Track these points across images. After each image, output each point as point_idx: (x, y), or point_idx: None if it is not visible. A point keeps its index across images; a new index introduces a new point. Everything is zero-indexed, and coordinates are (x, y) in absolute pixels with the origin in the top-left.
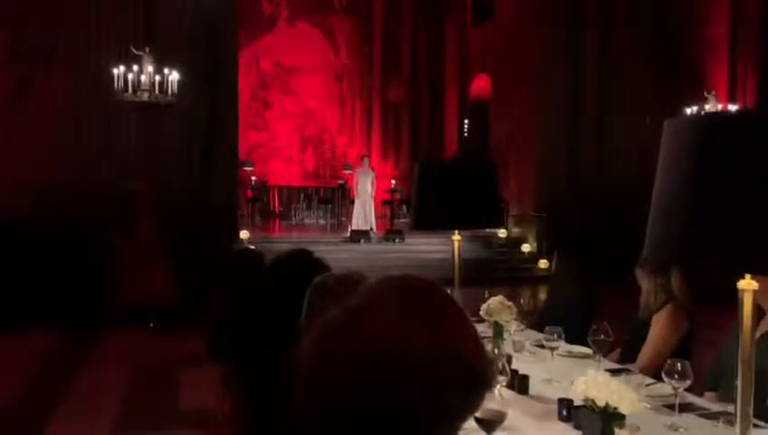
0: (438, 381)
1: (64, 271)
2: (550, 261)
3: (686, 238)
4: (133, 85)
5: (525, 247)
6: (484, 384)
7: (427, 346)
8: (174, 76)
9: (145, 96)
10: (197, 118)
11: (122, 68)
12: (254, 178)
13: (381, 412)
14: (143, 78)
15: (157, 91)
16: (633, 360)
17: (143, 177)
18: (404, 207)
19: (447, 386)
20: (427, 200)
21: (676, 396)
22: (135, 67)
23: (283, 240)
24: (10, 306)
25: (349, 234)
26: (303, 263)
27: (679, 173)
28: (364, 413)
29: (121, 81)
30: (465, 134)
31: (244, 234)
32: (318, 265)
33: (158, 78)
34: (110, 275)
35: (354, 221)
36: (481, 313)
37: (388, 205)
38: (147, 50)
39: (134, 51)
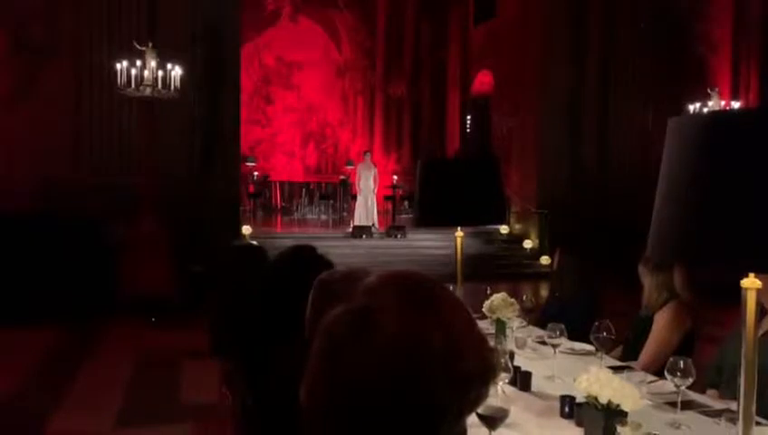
0: (455, 375)
1: (67, 265)
2: (552, 258)
3: (690, 236)
4: (136, 80)
5: (527, 244)
6: (492, 375)
7: (442, 341)
8: (176, 71)
9: (147, 91)
10: (200, 113)
11: (125, 63)
12: (256, 173)
13: (392, 410)
14: (146, 73)
15: (159, 87)
16: (635, 357)
17: (145, 172)
18: (406, 203)
19: (463, 379)
20: (429, 197)
21: (678, 393)
22: (138, 62)
23: (285, 236)
24: (13, 299)
25: (351, 229)
26: (307, 259)
27: (682, 171)
28: (376, 411)
29: (124, 76)
30: (468, 130)
31: (246, 229)
32: (321, 262)
33: (160, 73)
34: (113, 269)
35: (356, 217)
36: (483, 309)
37: (390, 200)
38: (149, 45)
39: (137, 46)
